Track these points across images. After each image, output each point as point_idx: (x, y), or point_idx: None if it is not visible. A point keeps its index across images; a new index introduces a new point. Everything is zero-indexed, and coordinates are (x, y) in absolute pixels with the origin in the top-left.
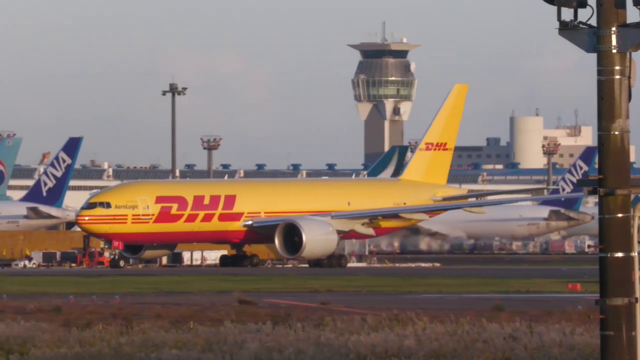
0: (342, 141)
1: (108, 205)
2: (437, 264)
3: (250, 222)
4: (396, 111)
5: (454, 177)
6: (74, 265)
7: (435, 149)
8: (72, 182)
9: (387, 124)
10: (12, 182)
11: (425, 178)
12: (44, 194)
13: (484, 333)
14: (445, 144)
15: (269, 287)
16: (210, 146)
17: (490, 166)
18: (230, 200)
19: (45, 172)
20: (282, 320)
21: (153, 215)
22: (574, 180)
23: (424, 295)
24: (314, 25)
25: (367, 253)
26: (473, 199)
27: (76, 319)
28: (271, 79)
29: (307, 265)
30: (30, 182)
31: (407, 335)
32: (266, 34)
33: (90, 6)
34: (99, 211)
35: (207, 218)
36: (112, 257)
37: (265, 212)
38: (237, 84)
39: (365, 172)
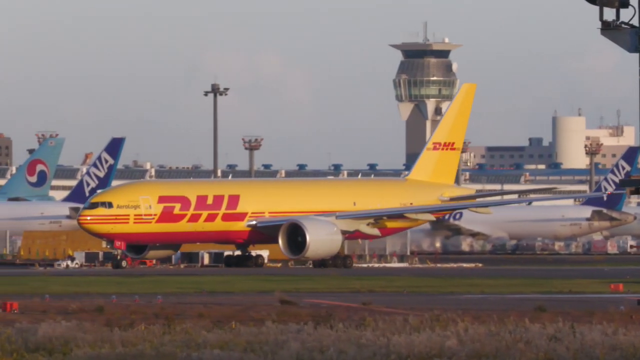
0: (384, 141)
1: (110, 205)
2: (479, 265)
3: (254, 222)
4: (438, 111)
5: (496, 177)
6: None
7: (443, 149)
8: (114, 183)
9: (428, 124)
10: (55, 183)
11: (432, 178)
12: (87, 194)
13: (526, 334)
14: (453, 143)
15: (310, 287)
16: (252, 146)
17: (532, 166)
18: (234, 200)
19: (87, 173)
20: (323, 320)
21: (155, 215)
22: (617, 180)
23: (466, 296)
24: (355, 25)
25: (408, 253)
26: (481, 199)
27: (118, 319)
28: (313, 79)
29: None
30: (72, 183)
31: (448, 336)
32: (308, 34)
33: (134, 7)
34: (100, 211)
35: (211, 218)
36: (114, 257)
37: (269, 212)
38: (278, 84)
39: (407, 172)
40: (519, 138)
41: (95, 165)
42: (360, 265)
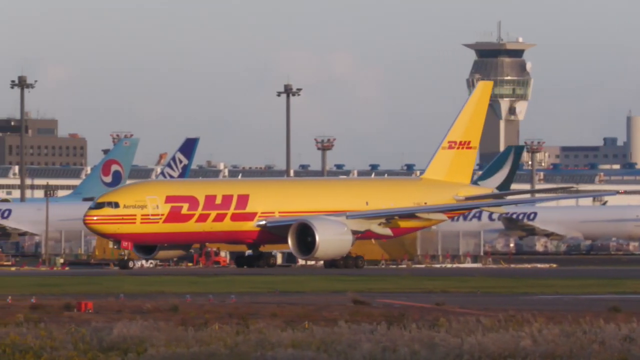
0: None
1: (116, 205)
2: (554, 265)
3: (263, 222)
4: (512, 111)
5: (571, 177)
6: (190, 264)
7: (458, 148)
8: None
9: (502, 124)
10: (130, 183)
11: (447, 177)
12: None
13: (600, 334)
14: (469, 142)
15: (382, 288)
16: (324, 146)
17: (607, 166)
18: (243, 199)
19: (162, 173)
20: (396, 320)
21: (163, 215)
22: None
23: (540, 296)
24: (428, 25)
25: (482, 254)
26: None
27: (193, 319)
28: (386, 78)
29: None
30: None
31: (522, 337)
32: (380, 33)
33: (206, 8)
34: (107, 211)
35: (219, 218)
36: (120, 257)
37: (279, 212)
38: (351, 83)
39: (480, 173)
40: (594, 138)
41: (169, 165)
42: (433, 265)
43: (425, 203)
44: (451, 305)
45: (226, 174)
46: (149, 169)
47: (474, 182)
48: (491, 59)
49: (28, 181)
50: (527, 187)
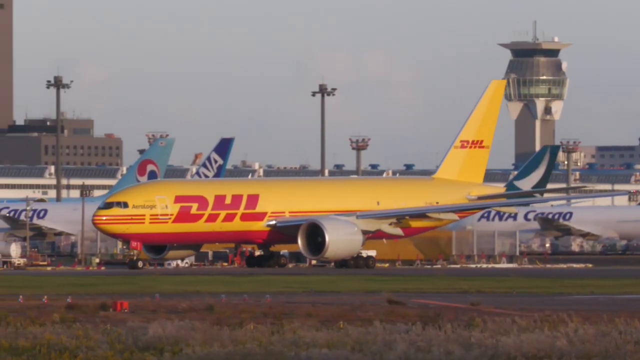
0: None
1: (125, 205)
2: (589, 265)
3: (273, 222)
4: (547, 110)
5: (607, 177)
6: (225, 264)
7: (471, 147)
8: None
9: (538, 124)
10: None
11: (460, 177)
12: None
13: (636, 334)
14: (482, 141)
15: (417, 288)
16: (359, 146)
17: None
18: (253, 199)
19: (197, 173)
20: (431, 320)
21: (172, 215)
22: None
23: (575, 297)
24: (464, 24)
25: (517, 254)
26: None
27: (228, 318)
28: (420, 78)
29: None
30: None
31: (558, 337)
32: (415, 33)
33: (242, 9)
34: (115, 211)
35: (229, 218)
36: (130, 257)
37: (290, 212)
38: (386, 83)
39: (515, 172)
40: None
41: (204, 165)
42: (468, 265)
43: (437, 203)
44: (486, 306)
45: (261, 173)
46: (184, 169)
47: (510, 182)
48: (527, 58)
49: (64, 181)
50: (563, 187)
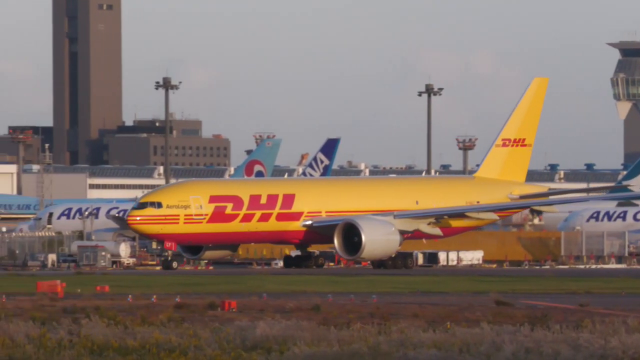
0: (602, 141)
1: (159, 205)
2: None
3: (309, 222)
4: None
5: None
6: (332, 264)
7: (513, 145)
8: None
9: None
10: (173, 182)
11: (501, 175)
12: None
13: None
14: (524, 139)
15: (525, 289)
16: (466, 146)
17: None
18: (289, 199)
19: (303, 173)
20: (539, 321)
21: (206, 215)
22: None
23: None
24: (572, 24)
25: (626, 254)
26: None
27: (334, 318)
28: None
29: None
30: None
31: None
32: (522, 32)
33: (346, 9)
34: (150, 211)
35: (264, 218)
36: (164, 257)
37: (326, 212)
38: (493, 83)
39: (624, 172)
40: None
41: (311, 165)
42: (577, 266)
43: (478, 202)
44: (595, 307)
45: (367, 173)
46: (291, 169)
47: (619, 182)
48: (635, 58)
49: (172, 181)
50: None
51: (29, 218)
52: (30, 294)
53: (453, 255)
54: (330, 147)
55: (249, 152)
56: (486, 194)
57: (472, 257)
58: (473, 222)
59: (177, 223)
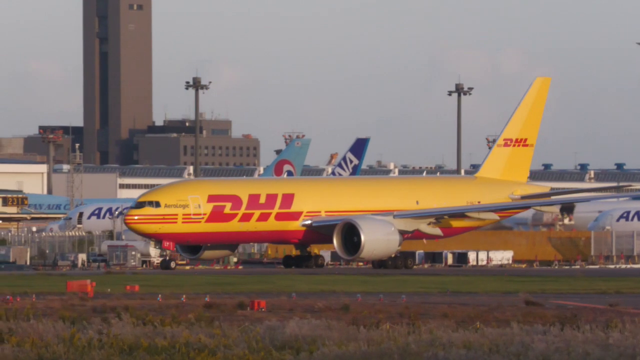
0: (632, 140)
1: (157, 204)
2: None
3: (309, 222)
4: None
5: None
6: (361, 264)
7: (514, 145)
8: None
9: None
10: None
11: (503, 176)
12: None
13: None
14: (526, 139)
15: (555, 289)
16: None
17: None
18: (288, 198)
19: (333, 173)
20: (569, 321)
21: (205, 214)
22: None
23: None
24: (601, 23)
25: None
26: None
27: (364, 318)
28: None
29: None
30: None
31: None
32: (552, 31)
33: (376, 9)
34: (147, 210)
35: (263, 217)
36: (162, 257)
37: (326, 212)
38: (522, 82)
39: None
40: None
41: (340, 165)
42: (607, 265)
43: (479, 202)
44: (625, 307)
45: (396, 173)
46: (320, 169)
47: None
48: None
49: None
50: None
51: (59, 218)
52: (61, 293)
53: (483, 255)
54: (359, 147)
55: (278, 151)
56: (487, 194)
57: (502, 257)
58: (474, 222)
59: (176, 222)
